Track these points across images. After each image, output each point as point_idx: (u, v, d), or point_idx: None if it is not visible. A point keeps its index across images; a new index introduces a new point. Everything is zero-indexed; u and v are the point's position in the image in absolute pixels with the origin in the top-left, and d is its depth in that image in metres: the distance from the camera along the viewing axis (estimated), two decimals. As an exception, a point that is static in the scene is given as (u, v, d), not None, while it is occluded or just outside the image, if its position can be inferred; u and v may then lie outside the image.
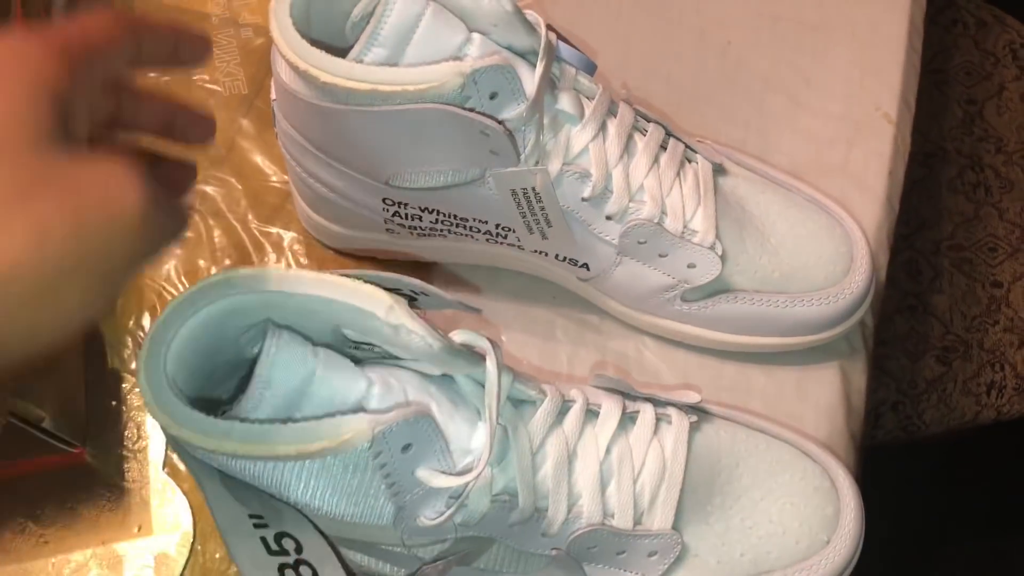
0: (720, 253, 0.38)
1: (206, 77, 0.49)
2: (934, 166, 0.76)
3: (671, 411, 0.36)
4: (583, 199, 0.37)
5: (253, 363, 0.31)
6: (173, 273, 0.45)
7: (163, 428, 0.28)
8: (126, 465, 0.41)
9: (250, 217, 0.46)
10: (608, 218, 0.38)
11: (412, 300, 0.31)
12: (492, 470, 0.31)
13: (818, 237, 0.40)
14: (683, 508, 0.35)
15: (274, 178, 0.47)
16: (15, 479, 0.41)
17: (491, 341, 0.31)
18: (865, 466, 0.46)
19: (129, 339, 0.44)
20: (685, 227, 0.38)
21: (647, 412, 0.35)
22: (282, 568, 0.29)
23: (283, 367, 0.28)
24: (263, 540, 0.29)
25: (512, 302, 0.44)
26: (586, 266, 0.40)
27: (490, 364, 0.30)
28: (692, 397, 0.36)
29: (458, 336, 0.30)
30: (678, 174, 0.38)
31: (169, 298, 0.45)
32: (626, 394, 0.36)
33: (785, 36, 0.50)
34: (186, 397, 0.29)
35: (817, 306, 0.40)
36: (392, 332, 0.29)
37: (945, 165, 0.76)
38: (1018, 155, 0.76)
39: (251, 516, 0.29)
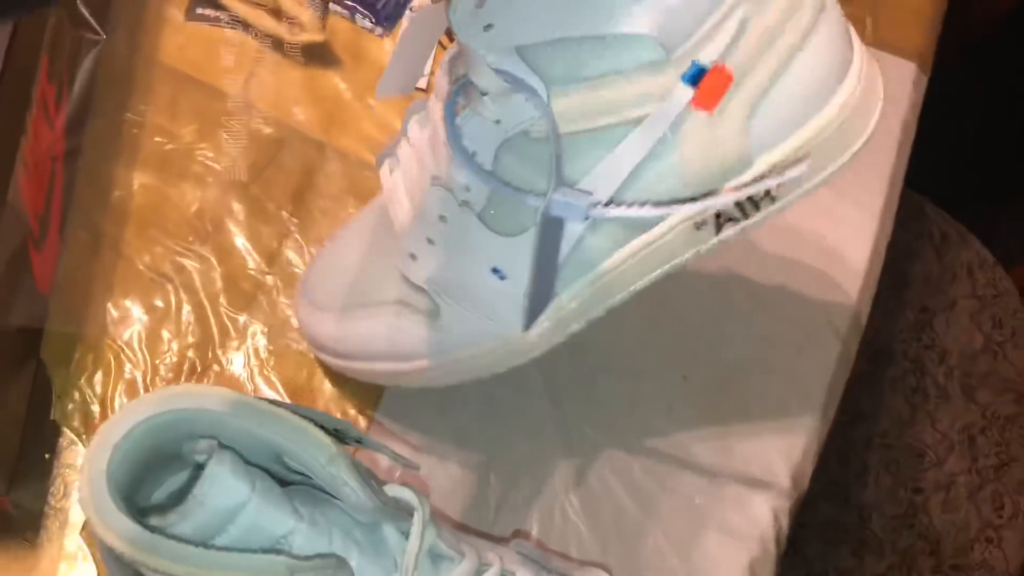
0: None
1: (209, 153, 0.51)
2: (880, 363, 0.79)
3: None
4: None
5: (192, 467, 0.32)
6: (135, 339, 0.46)
7: (92, 527, 0.29)
8: (45, 521, 0.42)
9: (222, 299, 0.47)
10: None
11: (358, 442, 0.33)
12: None
13: None
14: None
15: (251, 265, 0.48)
16: (-71, 517, 0.41)
17: (421, 499, 0.32)
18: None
19: (76, 394, 0.45)
20: None
21: None
22: None
23: (220, 490, 0.29)
24: None
25: (454, 437, 0.46)
26: None
27: (416, 521, 0.31)
28: None
29: (391, 490, 0.32)
30: None
31: (126, 361, 0.46)
32: (541, 565, 0.37)
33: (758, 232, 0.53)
34: (120, 493, 0.30)
35: None
36: (329, 478, 0.30)
37: (891, 364, 0.80)
38: (958, 371, 0.80)
39: None
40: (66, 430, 0.44)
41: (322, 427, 0.31)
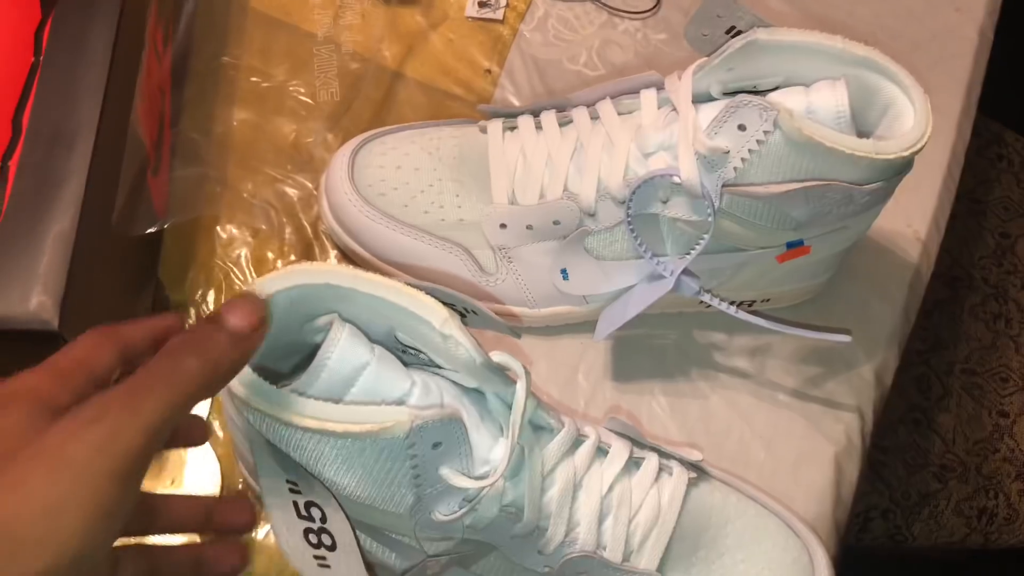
0: None
1: (301, 89, 0.54)
2: (959, 290, 0.79)
3: (673, 464, 0.39)
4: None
5: (310, 349, 0.35)
6: (243, 259, 0.49)
7: (230, 388, 0.32)
8: (170, 423, 0.45)
9: (320, 221, 0.50)
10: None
11: (463, 316, 0.35)
12: (505, 483, 0.35)
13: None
14: (669, 554, 0.38)
15: (349, 190, 0.51)
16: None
17: (524, 367, 0.34)
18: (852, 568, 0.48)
19: (192, 310, 0.48)
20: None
21: (651, 461, 0.38)
22: (307, 532, 0.32)
23: (343, 354, 0.32)
24: (295, 504, 0.32)
25: (544, 338, 0.48)
26: None
27: (520, 387, 0.34)
28: (695, 455, 0.40)
29: (496, 357, 0.34)
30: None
31: (235, 280, 0.49)
32: (635, 441, 0.39)
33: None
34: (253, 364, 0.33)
35: None
36: (441, 341, 0.32)
37: (970, 291, 0.79)
38: (1042, 294, 0.79)
39: (288, 481, 0.32)
40: (185, 342, 0.47)
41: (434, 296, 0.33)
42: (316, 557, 0.32)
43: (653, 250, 0.43)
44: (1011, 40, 0.65)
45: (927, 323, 0.77)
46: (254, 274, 0.49)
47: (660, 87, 0.43)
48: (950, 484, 0.73)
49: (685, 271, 0.43)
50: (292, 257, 0.50)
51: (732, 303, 0.44)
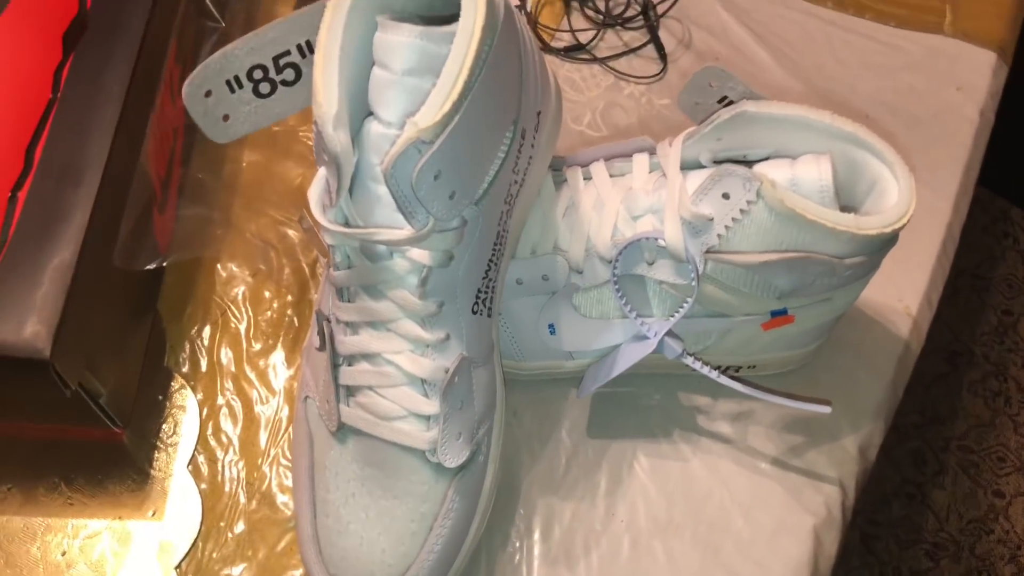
0: None
1: (311, 135, 0.55)
2: (959, 365, 0.79)
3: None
4: None
5: None
6: (240, 297, 0.50)
7: None
8: (156, 455, 0.46)
9: (319, 264, 0.51)
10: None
11: None
12: None
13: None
14: None
15: (349, 235, 0.52)
16: (59, 442, 0.45)
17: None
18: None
19: (187, 344, 0.49)
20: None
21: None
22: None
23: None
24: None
25: (530, 391, 0.48)
26: None
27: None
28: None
29: None
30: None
31: (232, 317, 0.50)
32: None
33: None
34: None
35: None
36: None
37: (970, 367, 0.79)
38: (1043, 375, 0.79)
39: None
40: (177, 376, 0.48)
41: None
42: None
43: (639, 311, 0.44)
44: (1020, 119, 0.66)
45: (924, 397, 0.77)
46: (250, 312, 0.50)
47: (652, 152, 0.44)
48: (942, 563, 0.72)
49: (670, 333, 0.43)
50: (289, 298, 0.51)
51: (717, 368, 0.45)
